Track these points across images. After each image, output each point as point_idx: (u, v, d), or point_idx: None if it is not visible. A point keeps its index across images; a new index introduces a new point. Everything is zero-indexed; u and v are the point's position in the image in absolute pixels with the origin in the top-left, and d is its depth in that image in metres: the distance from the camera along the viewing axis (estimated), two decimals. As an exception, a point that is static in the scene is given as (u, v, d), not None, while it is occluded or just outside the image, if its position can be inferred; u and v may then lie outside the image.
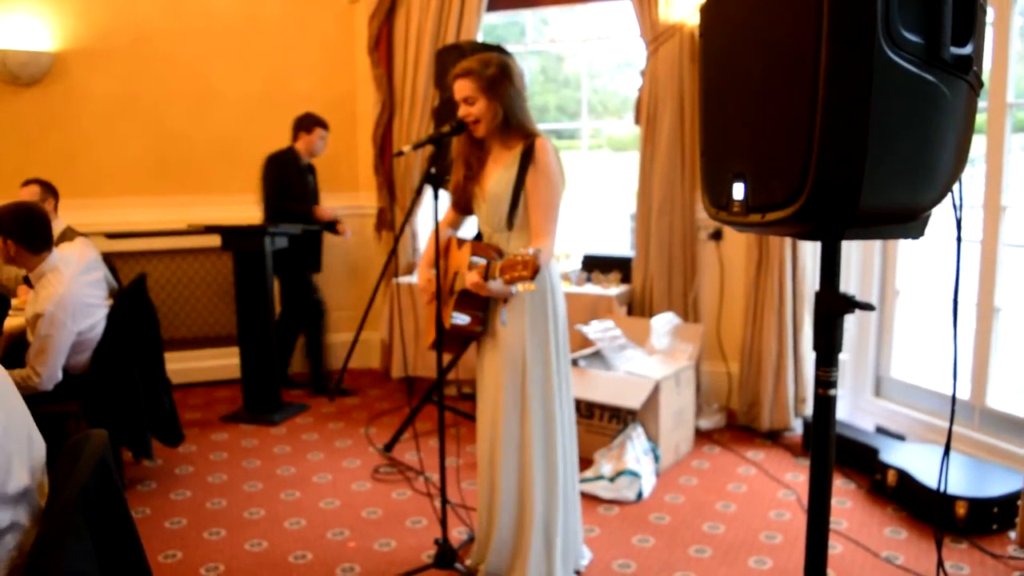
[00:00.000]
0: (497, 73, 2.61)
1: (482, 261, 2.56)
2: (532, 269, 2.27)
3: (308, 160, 4.91)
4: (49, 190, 4.11)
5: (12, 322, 3.54)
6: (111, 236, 4.63)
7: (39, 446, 1.60)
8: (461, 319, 2.67)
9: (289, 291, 4.98)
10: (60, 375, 3.27)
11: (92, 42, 5.00)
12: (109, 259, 3.77)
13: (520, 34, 5.35)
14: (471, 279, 2.53)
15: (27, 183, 4.05)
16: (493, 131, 2.66)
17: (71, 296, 3.22)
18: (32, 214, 3.20)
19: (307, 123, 4.85)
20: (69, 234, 4.04)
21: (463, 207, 2.84)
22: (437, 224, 2.69)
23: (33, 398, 3.34)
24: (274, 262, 4.65)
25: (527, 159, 2.62)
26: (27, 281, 3.44)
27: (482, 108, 2.62)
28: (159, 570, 2.95)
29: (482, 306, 2.70)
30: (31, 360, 3.20)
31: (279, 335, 4.87)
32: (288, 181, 4.81)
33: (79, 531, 1.41)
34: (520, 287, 2.34)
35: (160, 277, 5.17)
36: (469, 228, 3.05)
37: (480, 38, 4.87)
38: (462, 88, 2.62)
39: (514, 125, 2.66)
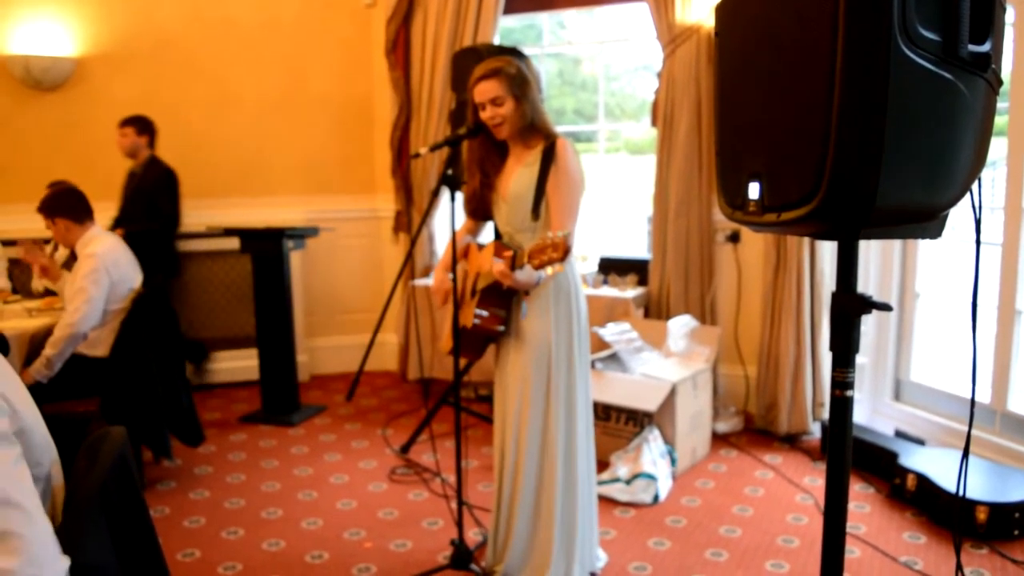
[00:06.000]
0: (522, 74, 2.61)
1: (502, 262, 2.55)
2: (563, 250, 2.25)
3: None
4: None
5: (33, 323, 3.59)
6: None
7: (53, 449, 1.62)
8: (483, 316, 2.66)
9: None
10: (95, 319, 3.43)
11: (113, 47, 5.06)
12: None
13: (537, 37, 5.36)
14: (498, 268, 2.49)
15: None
16: (516, 132, 2.65)
17: (111, 251, 3.55)
18: (71, 190, 3.64)
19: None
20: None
21: (481, 214, 2.83)
22: (454, 226, 2.69)
23: (53, 395, 3.39)
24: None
25: (548, 158, 2.61)
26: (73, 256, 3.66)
27: (510, 109, 2.59)
28: (178, 568, 2.98)
29: (505, 305, 2.69)
30: (69, 300, 3.41)
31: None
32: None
33: (98, 526, 1.42)
34: (550, 270, 2.32)
35: (180, 279, 5.21)
36: (487, 235, 3.04)
37: (497, 41, 4.89)
38: (490, 89, 2.58)
39: (538, 125, 2.65)
